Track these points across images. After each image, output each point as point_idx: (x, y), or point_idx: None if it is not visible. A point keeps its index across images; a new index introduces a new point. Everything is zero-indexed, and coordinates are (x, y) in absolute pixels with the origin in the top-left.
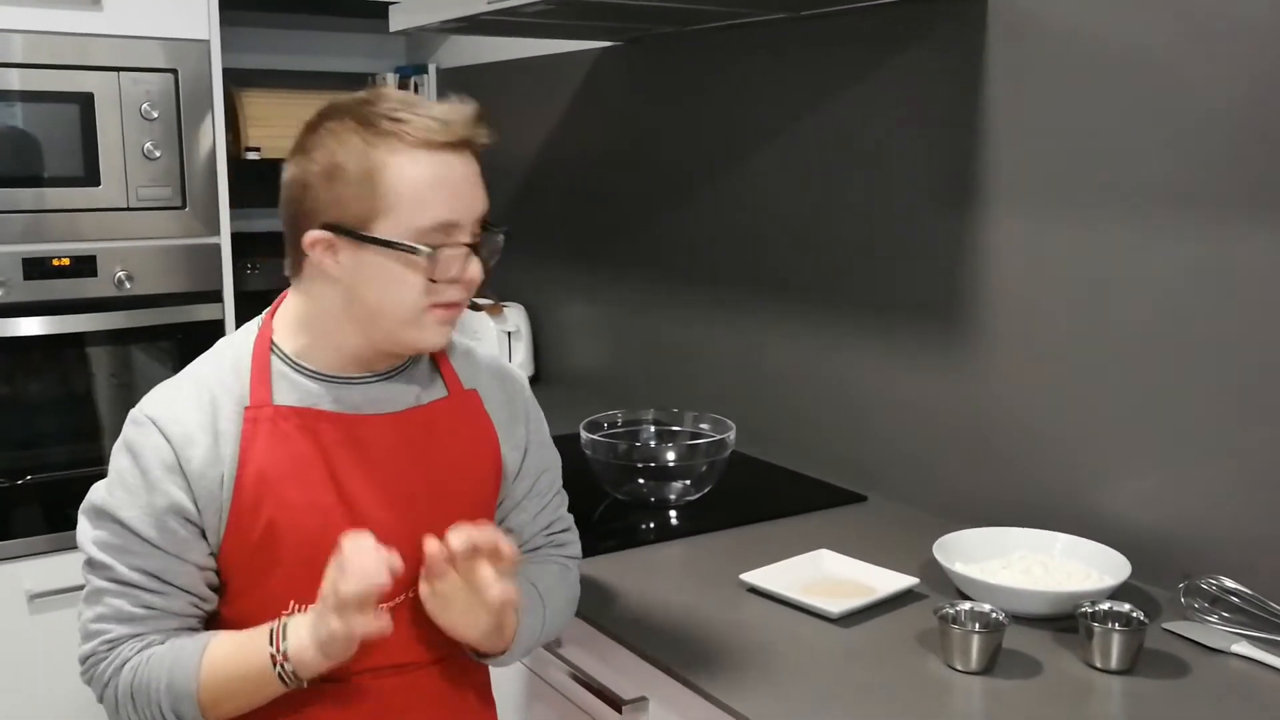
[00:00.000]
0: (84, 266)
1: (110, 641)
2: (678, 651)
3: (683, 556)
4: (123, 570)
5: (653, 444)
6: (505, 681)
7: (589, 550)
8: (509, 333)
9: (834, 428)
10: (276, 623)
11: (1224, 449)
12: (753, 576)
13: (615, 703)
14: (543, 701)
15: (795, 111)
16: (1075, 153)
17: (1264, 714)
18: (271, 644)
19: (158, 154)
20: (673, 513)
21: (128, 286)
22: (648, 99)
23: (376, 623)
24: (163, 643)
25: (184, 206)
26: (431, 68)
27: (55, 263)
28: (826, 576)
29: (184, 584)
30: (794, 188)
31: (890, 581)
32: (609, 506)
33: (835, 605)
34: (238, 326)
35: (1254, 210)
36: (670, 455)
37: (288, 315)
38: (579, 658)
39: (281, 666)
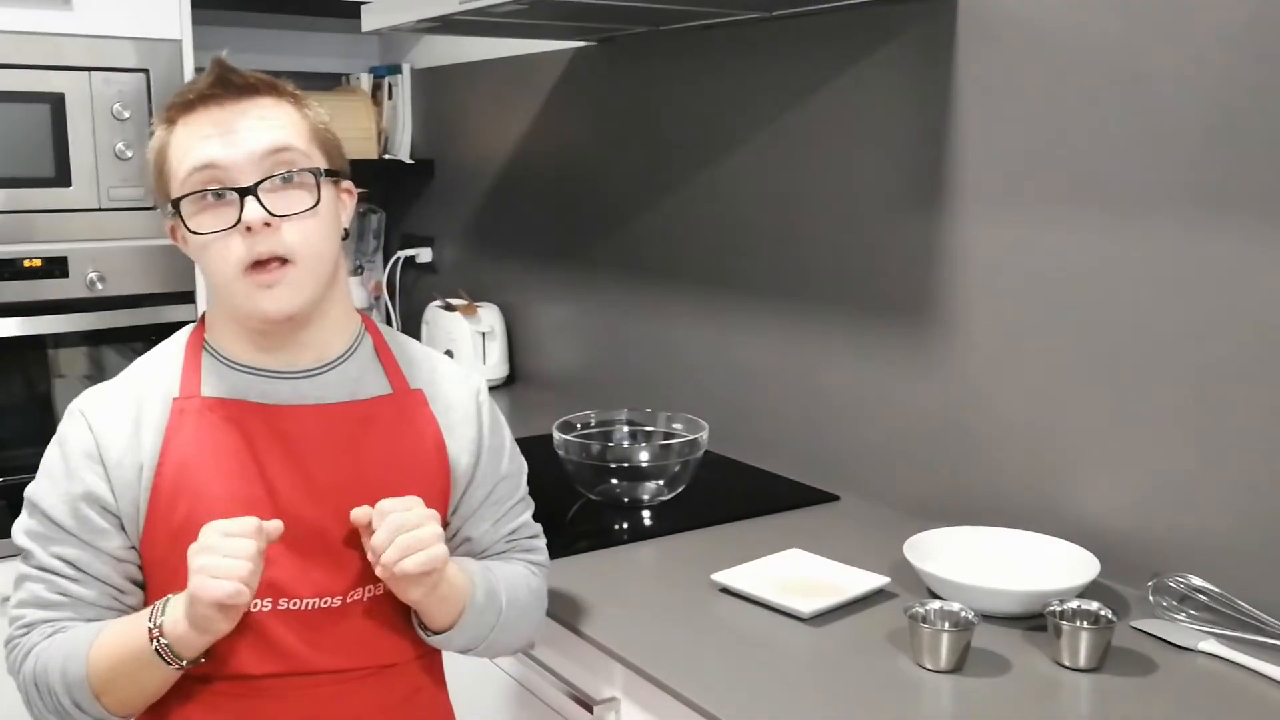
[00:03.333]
0: (55, 268)
1: (26, 626)
2: (649, 651)
3: (656, 556)
4: (43, 556)
5: (626, 444)
6: (476, 682)
7: (562, 551)
8: (483, 333)
9: (807, 427)
10: (160, 601)
11: (1193, 448)
12: (724, 576)
13: (586, 703)
14: (514, 702)
15: (767, 111)
16: (1045, 153)
17: (1231, 711)
18: (150, 620)
19: (129, 154)
20: (646, 513)
21: (100, 288)
22: (621, 99)
23: (241, 596)
24: (65, 629)
25: (156, 207)
26: (406, 68)
27: (26, 264)
28: (798, 576)
29: (99, 574)
30: (766, 188)
31: (861, 581)
32: (582, 507)
33: (806, 605)
34: None
35: (1223, 209)
36: (644, 455)
37: (213, 308)
38: (551, 658)
39: (158, 641)
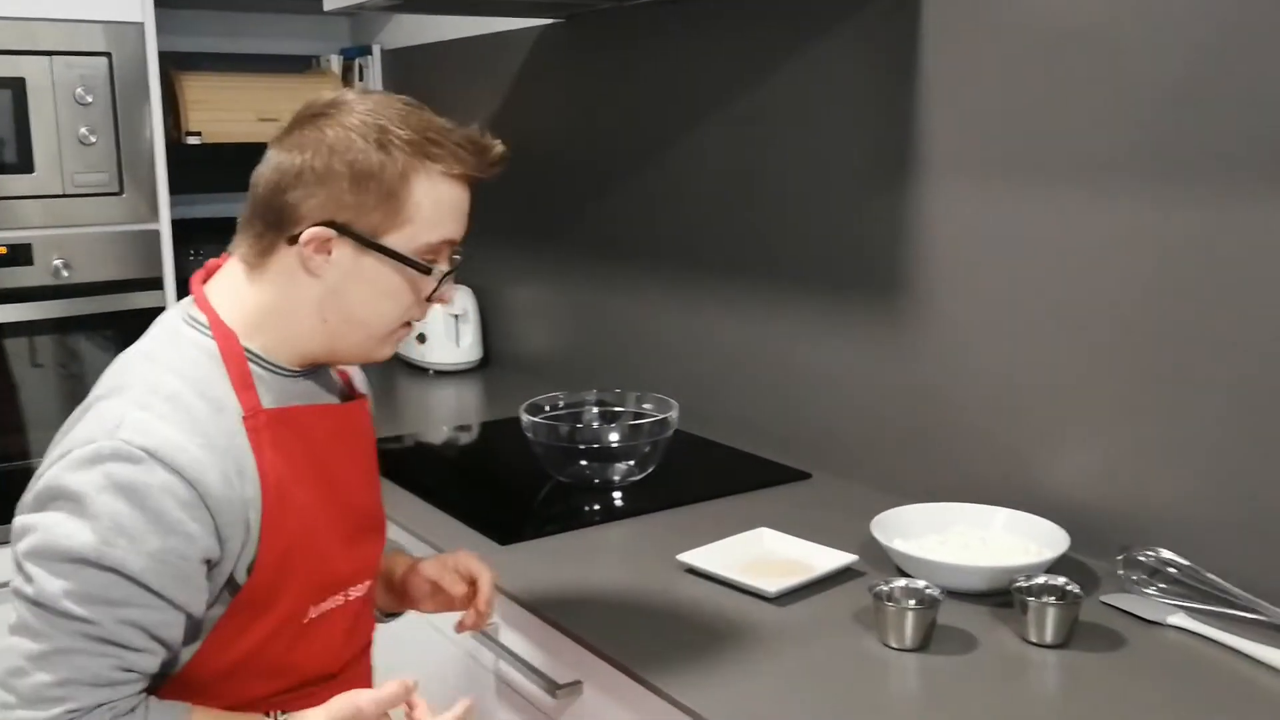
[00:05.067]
0: (20, 255)
1: (75, 712)
2: (613, 634)
3: (624, 538)
4: (109, 626)
5: (595, 425)
6: (438, 667)
7: (530, 534)
8: (456, 316)
9: (778, 406)
10: (275, 714)
11: (1164, 418)
12: (690, 556)
13: (549, 687)
14: (477, 685)
15: (733, 87)
16: (1012, 125)
17: (1198, 685)
18: None
19: (93, 139)
20: (616, 494)
21: (65, 275)
22: (589, 77)
23: None
24: (129, 711)
25: (121, 192)
26: (376, 49)
27: None
28: (766, 555)
29: (171, 638)
30: (736, 165)
31: (829, 559)
32: (552, 490)
33: (772, 584)
34: None
35: (1190, 175)
36: (613, 436)
37: (243, 307)
38: (514, 642)
39: None
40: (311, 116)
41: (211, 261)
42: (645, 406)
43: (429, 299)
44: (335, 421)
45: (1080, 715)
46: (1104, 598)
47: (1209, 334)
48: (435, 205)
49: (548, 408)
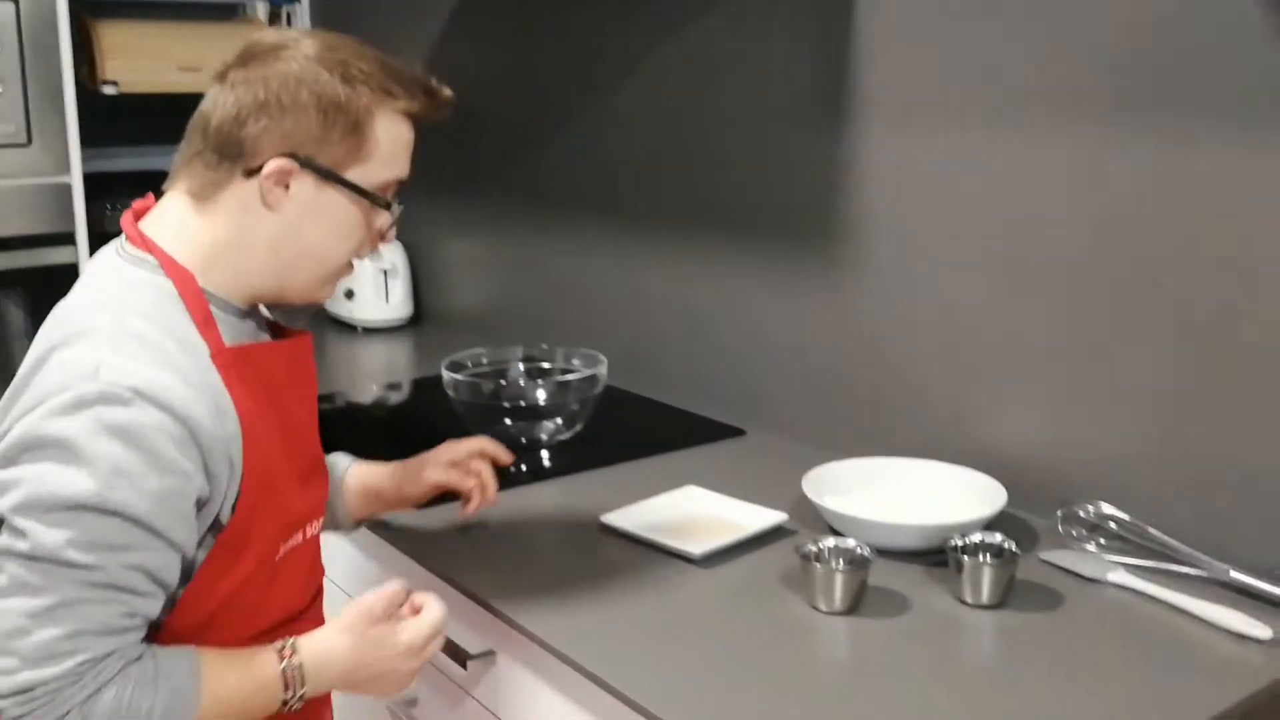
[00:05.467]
0: None
1: (86, 663)
2: (529, 601)
3: (550, 499)
4: (115, 571)
5: (521, 383)
6: None
7: (452, 496)
8: (384, 270)
9: (711, 360)
10: (283, 643)
11: (1106, 372)
12: (614, 518)
13: (460, 657)
14: None
15: (665, 33)
16: (951, 65)
17: (1135, 642)
18: (287, 678)
19: None
20: (545, 453)
21: None
22: (519, 23)
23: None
24: (137, 659)
25: (29, 143)
26: None
27: None
28: (693, 515)
29: (171, 581)
30: (663, 112)
31: (758, 518)
32: None
33: (697, 546)
34: None
35: (1139, 125)
36: (540, 394)
37: (193, 244)
38: None
39: (294, 692)
40: (264, 52)
41: (139, 203)
42: (574, 362)
43: (382, 237)
44: (287, 359)
45: (1017, 678)
46: (1043, 555)
47: (1154, 284)
48: (392, 142)
49: (470, 365)
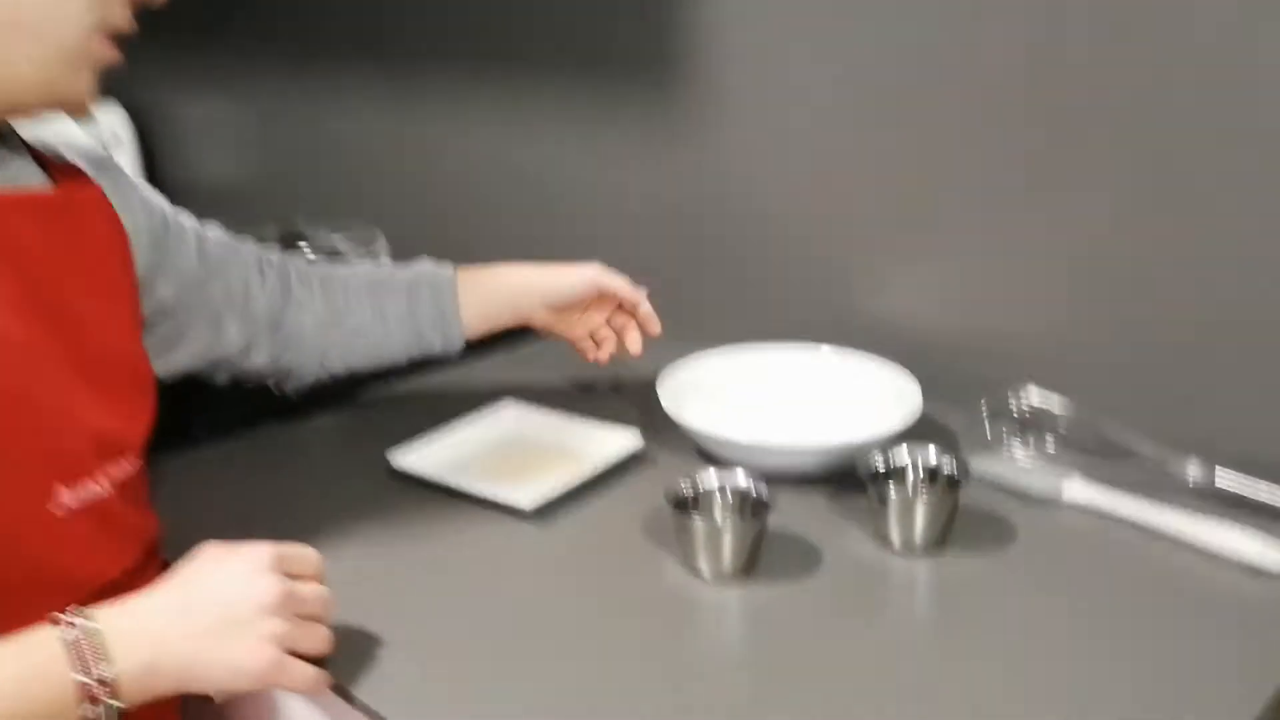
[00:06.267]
0: None
1: None
2: None
3: (328, 431)
4: None
5: None
6: None
7: (202, 435)
8: (104, 143)
9: (529, 233)
10: (67, 631)
11: (1022, 227)
12: (409, 458)
13: None
14: None
15: None
16: None
17: (1131, 591)
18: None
19: None
20: None
21: None
22: None
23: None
24: None
25: None
26: None
27: None
28: (514, 444)
29: None
30: None
31: (603, 445)
32: None
33: (526, 494)
34: None
35: None
36: None
37: None
38: None
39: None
40: None
41: None
42: (342, 242)
43: None
44: (47, 220)
45: (963, 652)
46: (977, 468)
47: (1086, 116)
48: None
49: None
